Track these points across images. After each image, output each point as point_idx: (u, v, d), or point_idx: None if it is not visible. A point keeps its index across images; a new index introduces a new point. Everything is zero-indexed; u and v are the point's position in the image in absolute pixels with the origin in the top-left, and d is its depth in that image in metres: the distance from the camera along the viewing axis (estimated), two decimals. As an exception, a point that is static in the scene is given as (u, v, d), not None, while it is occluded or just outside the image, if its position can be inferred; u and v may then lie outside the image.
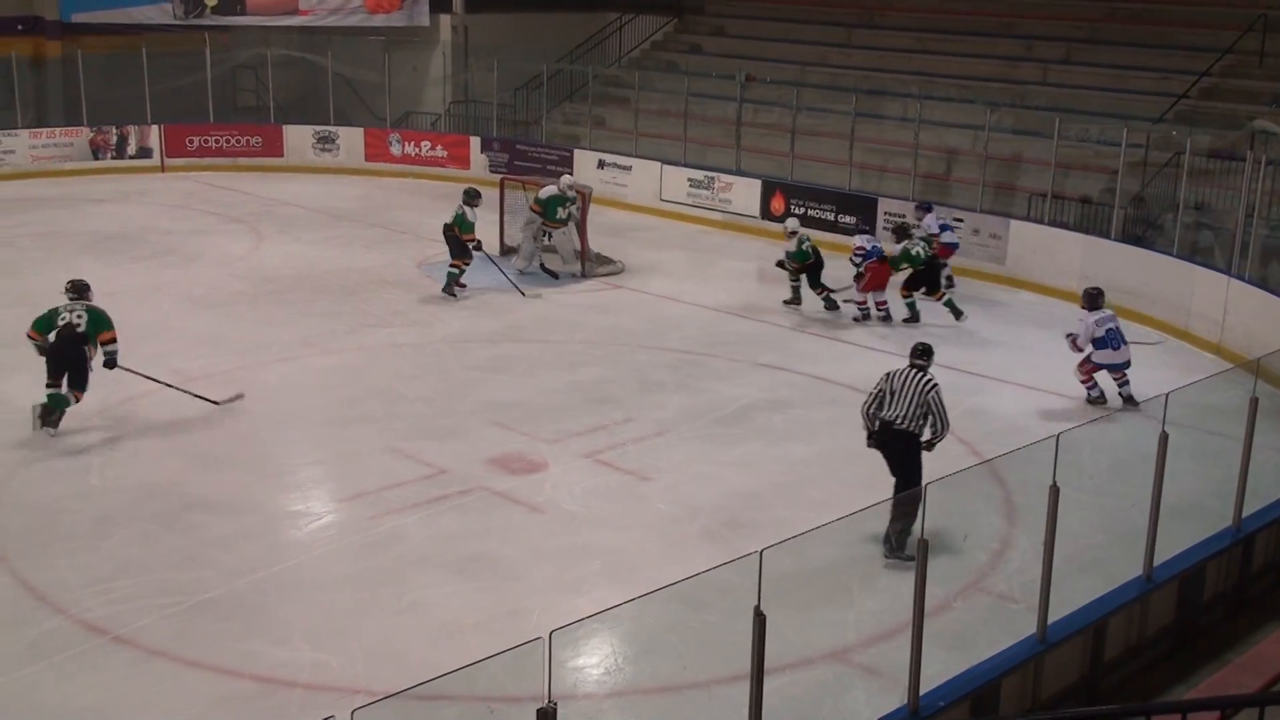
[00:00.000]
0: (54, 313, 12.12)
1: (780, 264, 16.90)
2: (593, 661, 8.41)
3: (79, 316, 12.09)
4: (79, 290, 12.38)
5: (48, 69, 26.81)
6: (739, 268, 19.52)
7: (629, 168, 23.55)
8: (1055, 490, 7.65)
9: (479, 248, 17.07)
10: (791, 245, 16.53)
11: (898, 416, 9.81)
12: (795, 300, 16.91)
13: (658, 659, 8.55)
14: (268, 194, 23.59)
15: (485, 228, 18.43)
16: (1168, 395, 8.54)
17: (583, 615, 7.02)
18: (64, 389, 12.01)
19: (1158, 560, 8.73)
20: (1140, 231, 18.09)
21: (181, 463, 11.52)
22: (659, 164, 23.10)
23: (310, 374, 14.17)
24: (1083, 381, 13.49)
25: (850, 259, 16.82)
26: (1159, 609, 8.91)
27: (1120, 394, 13.35)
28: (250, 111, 28.64)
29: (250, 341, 15.10)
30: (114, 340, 12.26)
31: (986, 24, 23.98)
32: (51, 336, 12.02)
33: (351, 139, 26.56)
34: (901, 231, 16.88)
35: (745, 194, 21.85)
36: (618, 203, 23.00)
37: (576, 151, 24.42)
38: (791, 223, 16.93)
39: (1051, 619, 7.95)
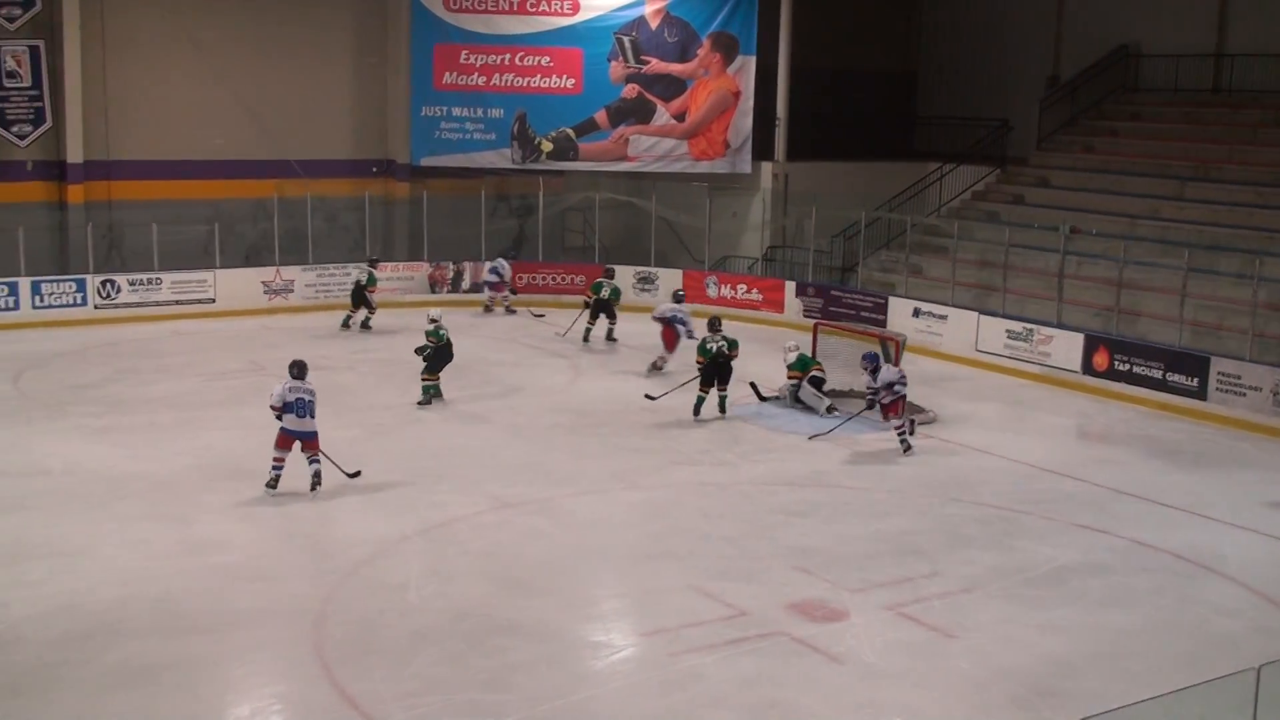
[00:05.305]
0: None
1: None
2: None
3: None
4: None
5: (395, 208, 28.88)
6: (1057, 423, 18.87)
7: (944, 317, 23.27)
8: None
9: None
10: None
11: None
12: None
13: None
14: (588, 331, 24.45)
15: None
16: None
17: (879, 774, 6.82)
18: None
19: None
20: None
21: (492, 586, 11.91)
22: (976, 314, 22.74)
23: (618, 508, 14.46)
24: None
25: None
26: None
27: None
28: (576, 251, 29.99)
29: (564, 472, 15.55)
30: None
31: (1335, 178, 22.71)
32: None
33: (670, 280, 27.30)
34: (711, 325, 18.46)
35: (1066, 347, 21.20)
36: (932, 352, 22.71)
37: (891, 299, 24.32)
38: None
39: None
